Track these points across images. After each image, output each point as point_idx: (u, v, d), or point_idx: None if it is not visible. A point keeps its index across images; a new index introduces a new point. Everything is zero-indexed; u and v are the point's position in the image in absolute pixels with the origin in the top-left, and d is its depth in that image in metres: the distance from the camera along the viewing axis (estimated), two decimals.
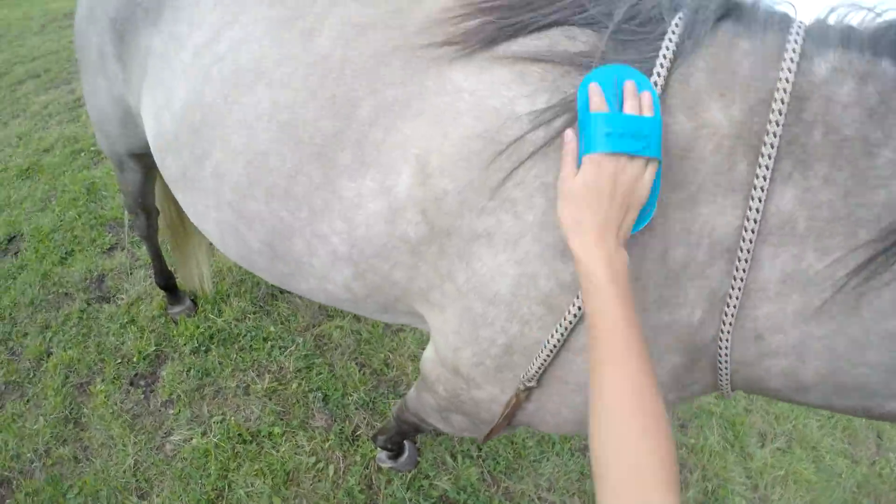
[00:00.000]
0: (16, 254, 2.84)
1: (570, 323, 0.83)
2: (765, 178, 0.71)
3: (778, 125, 0.71)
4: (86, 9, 1.52)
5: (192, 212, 1.32)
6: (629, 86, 0.74)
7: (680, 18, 0.78)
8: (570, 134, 0.76)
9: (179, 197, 1.33)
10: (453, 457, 2.10)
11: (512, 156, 0.84)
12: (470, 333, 0.96)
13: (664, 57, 0.76)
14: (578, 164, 0.74)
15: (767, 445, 2.35)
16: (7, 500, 1.92)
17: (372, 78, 0.97)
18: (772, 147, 0.71)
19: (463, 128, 0.87)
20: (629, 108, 0.72)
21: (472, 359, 0.98)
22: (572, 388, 0.93)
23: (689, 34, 0.77)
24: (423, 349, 2.41)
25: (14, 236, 2.96)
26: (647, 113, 0.72)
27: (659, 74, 0.76)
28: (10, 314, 2.51)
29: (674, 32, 0.77)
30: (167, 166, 1.31)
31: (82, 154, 3.63)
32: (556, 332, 0.85)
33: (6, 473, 1.97)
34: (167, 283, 2.39)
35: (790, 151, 0.72)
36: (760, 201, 0.72)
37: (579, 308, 0.81)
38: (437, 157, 0.89)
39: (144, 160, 1.82)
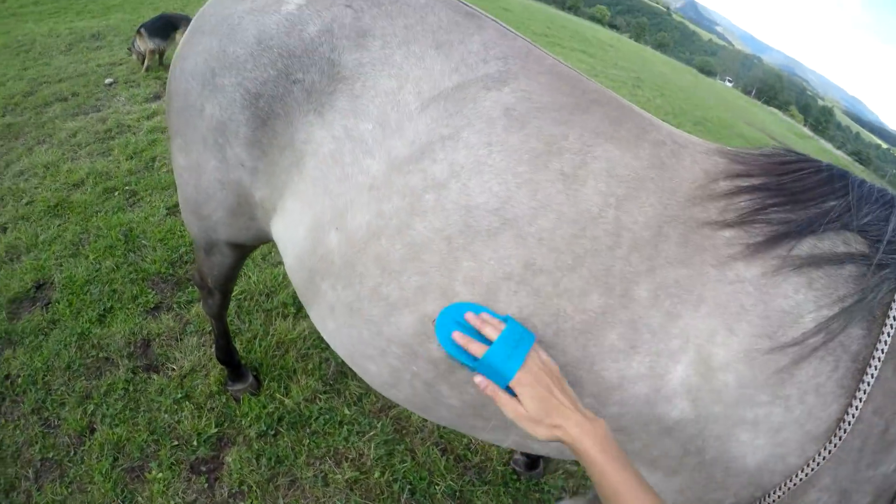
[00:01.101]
0: (46, 305, 2.55)
1: (795, 483, 0.89)
2: None
3: None
4: (200, 67, 1.15)
5: (345, 344, 1.13)
6: (473, 319, 0.88)
7: None
8: (482, 381, 0.83)
9: (328, 325, 1.15)
10: None
11: (792, 356, 0.87)
12: (698, 494, 0.98)
13: None
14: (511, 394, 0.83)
15: None
16: None
17: (650, 253, 0.91)
18: None
19: (749, 325, 0.88)
20: (489, 332, 0.86)
21: None
22: None
23: None
24: None
25: (43, 283, 2.67)
26: (495, 329, 0.86)
27: None
28: (44, 378, 2.21)
29: None
30: (321, 291, 1.11)
31: (116, 193, 3.37)
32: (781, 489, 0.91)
33: None
34: (230, 360, 2.18)
35: None
36: None
37: (812, 469, 0.88)
38: (723, 351, 0.89)
39: (244, 248, 1.60)
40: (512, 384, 0.81)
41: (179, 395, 2.20)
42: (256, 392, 2.24)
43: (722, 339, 0.88)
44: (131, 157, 3.77)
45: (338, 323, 1.11)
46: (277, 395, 2.24)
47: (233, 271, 1.73)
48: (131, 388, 2.21)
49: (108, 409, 2.12)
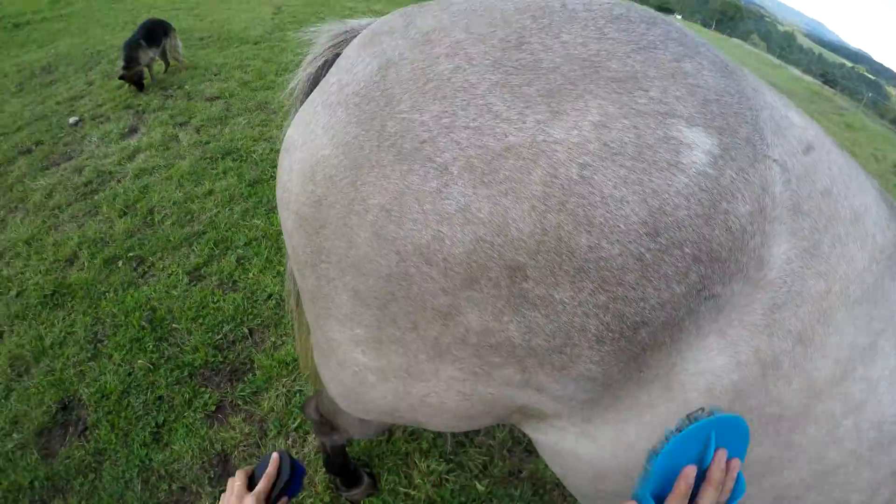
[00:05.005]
0: (83, 432, 1.97)
1: None
2: None
3: None
4: (464, 251, 0.61)
5: None
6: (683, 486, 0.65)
7: None
8: None
9: None
10: None
11: None
12: None
13: None
14: None
15: None
16: None
17: None
18: None
19: None
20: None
21: None
22: None
23: None
24: None
25: (68, 402, 2.07)
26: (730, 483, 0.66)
27: None
28: None
29: None
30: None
31: (119, 264, 2.70)
32: None
33: None
34: (345, 468, 1.72)
35: None
36: None
37: None
38: None
39: None
40: None
41: None
42: (376, 491, 1.80)
43: None
44: (124, 213, 3.04)
45: None
46: (401, 490, 1.81)
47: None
48: None
49: None
